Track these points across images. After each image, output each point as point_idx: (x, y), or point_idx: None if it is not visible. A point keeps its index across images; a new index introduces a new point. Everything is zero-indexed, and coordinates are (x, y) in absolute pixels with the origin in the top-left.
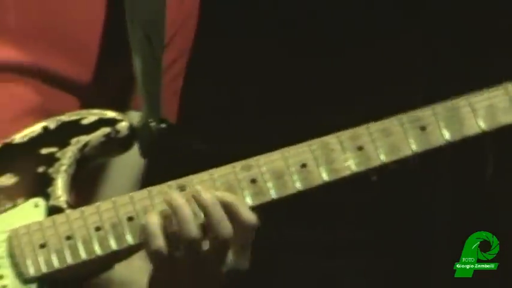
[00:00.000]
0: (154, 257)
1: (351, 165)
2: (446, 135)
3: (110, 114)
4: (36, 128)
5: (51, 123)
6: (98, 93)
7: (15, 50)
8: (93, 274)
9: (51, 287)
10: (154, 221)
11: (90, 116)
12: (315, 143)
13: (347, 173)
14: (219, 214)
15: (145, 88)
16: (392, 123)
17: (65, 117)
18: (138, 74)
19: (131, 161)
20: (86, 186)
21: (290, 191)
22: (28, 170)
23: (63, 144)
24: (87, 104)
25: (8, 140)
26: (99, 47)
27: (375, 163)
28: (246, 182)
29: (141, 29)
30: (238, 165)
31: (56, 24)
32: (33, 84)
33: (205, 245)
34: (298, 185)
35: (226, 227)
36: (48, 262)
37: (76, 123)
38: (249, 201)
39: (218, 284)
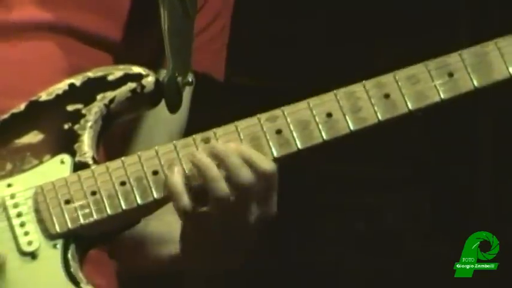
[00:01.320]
0: (182, 214)
1: (377, 113)
2: (475, 80)
3: (136, 69)
4: (62, 85)
5: (77, 80)
6: (130, 51)
7: (43, 9)
8: (119, 230)
9: (77, 243)
10: (177, 180)
11: (116, 71)
12: (341, 92)
13: (374, 121)
14: (236, 162)
15: (172, 42)
16: (419, 70)
17: (91, 74)
18: (164, 28)
19: (166, 117)
20: (118, 143)
21: (316, 141)
22: (54, 127)
23: (89, 100)
24: (119, 61)
25: (34, 98)
26: (129, 4)
27: (401, 111)
28: (271, 133)
29: None
30: (263, 117)
31: None
32: (64, 42)
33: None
34: (324, 135)
35: (245, 174)
36: (74, 218)
37: (102, 79)
38: (275, 152)
39: (247, 233)
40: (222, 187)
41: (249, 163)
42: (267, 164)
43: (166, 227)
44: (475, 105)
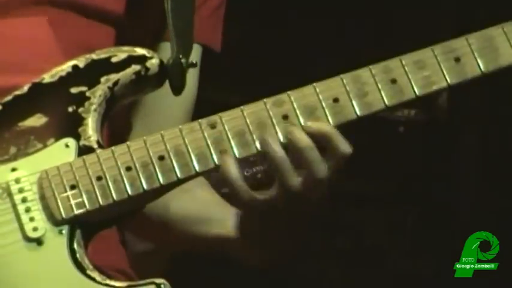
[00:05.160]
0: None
1: (384, 98)
2: (482, 65)
3: (140, 51)
4: (65, 67)
5: (81, 62)
6: (132, 25)
7: None
8: (125, 215)
9: (83, 229)
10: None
11: (120, 53)
12: (347, 77)
13: (380, 106)
14: (316, 157)
15: (175, 23)
16: (425, 55)
17: (95, 56)
18: (167, 10)
19: (171, 101)
20: (121, 125)
21: None
22: (58, 110)
23: (93, 83)
24: (122, 36)
25: (37, 80)
26: None
27: (408, 96)
28: (278, 118)
29: None
30: (269, 101)
31: None
32: (65, 16)
33: None
34: (331, 120)
35: (323, 169)
36: (80, 203)
37: (106, 61)
38: (281, 138)
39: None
40: (323, 169)
41: (331, 146)
42: (347, 149)
43: (200, 205)
44: (457, 122)
